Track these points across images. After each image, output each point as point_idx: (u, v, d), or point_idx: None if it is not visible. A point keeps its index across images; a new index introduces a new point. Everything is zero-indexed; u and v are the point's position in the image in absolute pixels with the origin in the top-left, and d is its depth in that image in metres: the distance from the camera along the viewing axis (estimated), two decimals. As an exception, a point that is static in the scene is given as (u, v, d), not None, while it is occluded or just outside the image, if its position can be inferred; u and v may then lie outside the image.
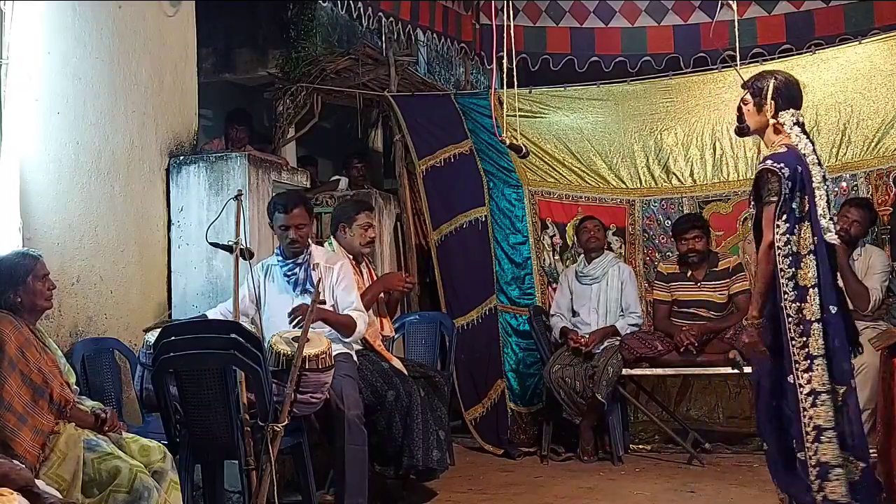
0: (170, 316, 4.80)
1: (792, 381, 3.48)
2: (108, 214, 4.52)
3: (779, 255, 3.50)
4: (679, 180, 6.25)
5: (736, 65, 4.52)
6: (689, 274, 5.69)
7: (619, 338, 5.65)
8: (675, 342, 5.46)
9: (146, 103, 4.83)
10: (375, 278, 4.98)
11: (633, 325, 5.74)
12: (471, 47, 7.35)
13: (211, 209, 4.78)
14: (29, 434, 3.12)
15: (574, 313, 5.87)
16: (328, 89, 6.46)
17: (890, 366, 3.87)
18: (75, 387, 3.52)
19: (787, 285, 3.49)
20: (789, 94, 3.63)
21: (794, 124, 3.61)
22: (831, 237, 3.53)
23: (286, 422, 3.71)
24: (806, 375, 3.46)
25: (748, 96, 3.69)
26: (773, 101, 3.59)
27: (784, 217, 3.50)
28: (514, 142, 4.82)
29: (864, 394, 4.78)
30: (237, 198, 4.04)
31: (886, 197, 5.65)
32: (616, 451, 5.51)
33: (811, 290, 3.47)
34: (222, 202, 4.38)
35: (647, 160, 6.26)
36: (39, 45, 4.14)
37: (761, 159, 3.61)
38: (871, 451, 4.53)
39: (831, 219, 3.57)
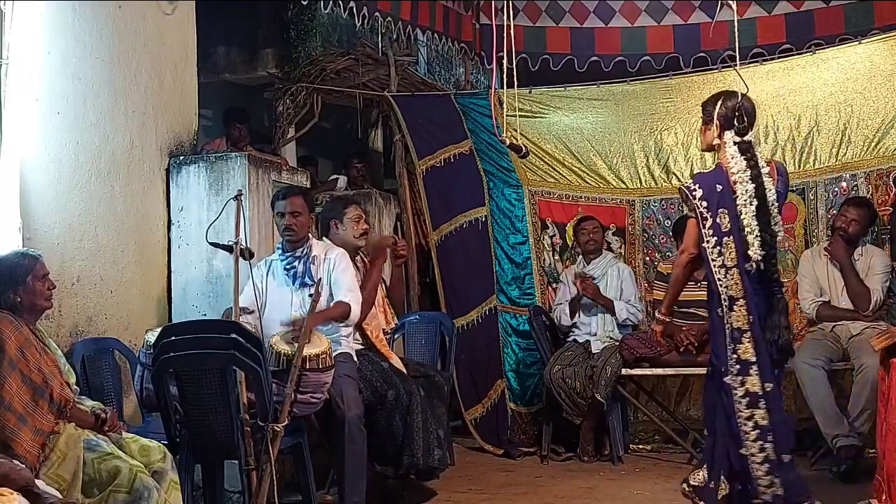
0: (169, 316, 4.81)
1: (728, 382, 3.80)
2: (108, 214, 4.52)
3: (713, 266, 3.83)
4: (679, 180, 6.23)
5: (735, 65, 4.54)
6: (689, 274, 5.68)
7: (618, 340, 5.67)
8: (675, 342, 5.46)
9: (146, 103, 4.82)
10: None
11: (631, 313, 5.74)
12: (471, 47, 7.33)
13: (211, 209, 4.78)
14: (29, 434, 3.11)
15: (574, 313, 5.87)
16: (328, 89, 6.46)
17: (889, 366, 3.88)
18: (75, 387, 3.52)
19: (723, 294, 3.81)
20: (735, 117, 3.87)
21: (734, 144, 3.86)
22: (753, 252, 3.75)
23: (286, 422, 3.71)
24: (739, 378, 3.77)
25: (703, 117, 4.00)
26: (717, 123, 3.89)
27: (711, 232, 3.83)
28: (514, 142, 4.82)
29: (863, 394, 4.79)
30: (237, 198, 4.04)
31: (886, 197, 5.65)
32: (616, 451, 5.51)
33: (739, 300, 3.79)
34: (222, 202, 4.38)
35: (647, 160, 6.26)
36: (39, 45, 4.14)
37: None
38: (871, 451, 4.55)
39: (759, 235, 3.76)
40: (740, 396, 3.78)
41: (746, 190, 3.79)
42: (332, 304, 4.34)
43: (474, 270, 6.30)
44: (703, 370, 5.50)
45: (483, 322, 6.22)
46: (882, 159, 5.68)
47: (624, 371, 5.54)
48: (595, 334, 5.76)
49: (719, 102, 3.91)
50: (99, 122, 4.49)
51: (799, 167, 5.91)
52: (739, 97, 3.89)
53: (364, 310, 4.55)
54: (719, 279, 3.82)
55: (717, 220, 3.82)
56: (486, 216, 6.39)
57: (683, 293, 5.63)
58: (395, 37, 6.56)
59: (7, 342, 3.17)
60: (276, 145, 6.43)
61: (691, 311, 5.63)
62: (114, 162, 4.58)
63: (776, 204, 3.83)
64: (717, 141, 3.92)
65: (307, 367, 3.83)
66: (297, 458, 4.09)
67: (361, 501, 4.16)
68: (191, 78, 5.19)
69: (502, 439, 5.97)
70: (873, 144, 5.70)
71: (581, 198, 6.37)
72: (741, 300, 3.79)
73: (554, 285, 6.25)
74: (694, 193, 3.87)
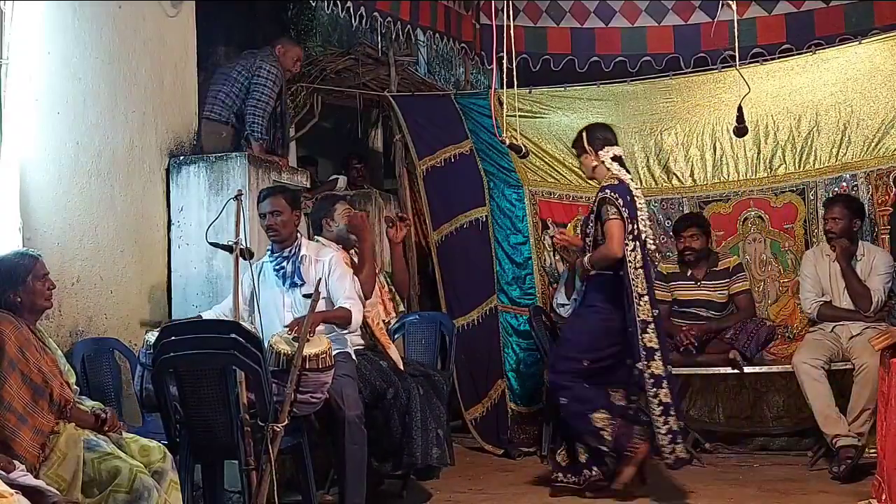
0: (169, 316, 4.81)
1: (640, 368, 4.34)
2: (108, 214, 4.52)
3: (629, 268, 4.36)
4: (679, 180, 6.24)
5: (736, 64, 4.56)
6: (689, 273, 5.69)
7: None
8: (675, 342, 5.46)
9: (146, 103, 4.82)
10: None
11: None
12: (471, 47, 7.33)
13: (211, 209, 4.78)
14: (29, 434, 3.12)
15: (570, 291, 5.87)
16: (328, 89, 6.46)
17: (889, 366, 3.88)
18: (75, 387, 3.52)
19: (633, 291, 4.34)
20: (601, 137, 4.60)
21: (613, 160, 4.53)
22: (650, 248, 4.48)
23: (286, 422, 3.71)
24: (646, 363, 4.32)
25: (576, 150, 4.69)
26: (590, 146, 4.56)
27: (631, 237, 4.38)
28: (514, 142, 4.82)
29: (864, 394, 4.79)
30: (237, 198, 4.04)
31: (886, 197, 5.64)
32: (616, 451, 5.51)
33: (644, 296, 4.36)
34: (222, 202, 4.38)
35: (647, 160, 6.26)
36: (39, 45, 4.14)
37: (601, 188, 4.53)
38: (871, 451, 4.55)
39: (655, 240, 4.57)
40: (647, 378, 4.32)
41: (642, 198, 4.50)
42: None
43: (474, 270, 6.30)
44: (703, 370, 5.56)
45: (483, 322, 6.22)
46: (882, 159, 5.67)
47: (624, 371, 5.54)
48: (596, 334, 5.76)
49: (584, 133, 4.61)
50: (99, 122, 4.49)
51: (799, 167, 5.91)
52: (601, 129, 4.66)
53: (369, 286, 4.60)
54: (632, 278, 4.35)
55: (630, 227, 4.39)
56: (486, 216, 6.38)
57: (683, 293, 5.70)
58: (394, 37, 6.55)
59: (7, 342, 3.17)
60: (275, 145, 6.42)
61: (691, 311, 5.64)
62: (114, 162, 4.58)
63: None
64: (595, 162, 4.55)
65: (307, 367, 3.83)
66: (297, 458, 4.09)
67: (362, 501, 4.16)
68: (191, 78, 5.19)
69: (502, 439, 5.97)
70: (873, 144, 5.69)
71: (581, 198, 6.35)
72: (645, 296, 4.36)
73: (554, 285, 6.25)
74: (619, 202, 4.40)
